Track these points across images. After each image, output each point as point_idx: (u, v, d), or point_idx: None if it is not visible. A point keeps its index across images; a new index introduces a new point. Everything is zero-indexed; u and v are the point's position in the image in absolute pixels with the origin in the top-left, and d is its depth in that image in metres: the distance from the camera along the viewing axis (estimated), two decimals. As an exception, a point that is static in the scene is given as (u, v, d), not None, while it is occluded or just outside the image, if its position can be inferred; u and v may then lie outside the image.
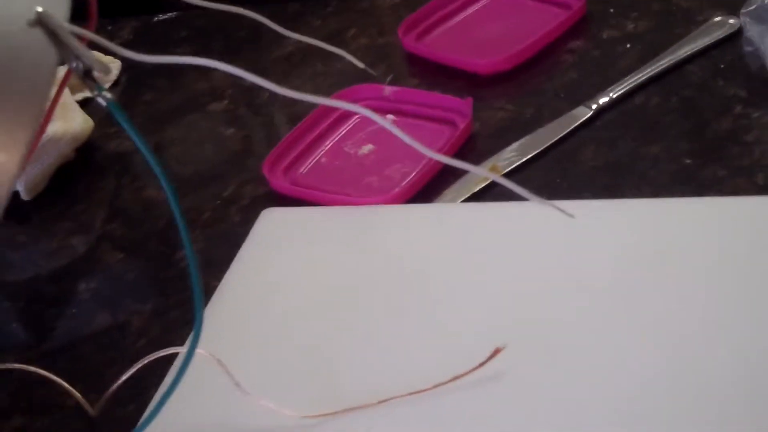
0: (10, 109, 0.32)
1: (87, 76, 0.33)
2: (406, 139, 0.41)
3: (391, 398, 0.54)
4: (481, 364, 0.54)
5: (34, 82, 0.33)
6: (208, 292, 0.66)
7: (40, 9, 0.33)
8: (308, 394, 0.56)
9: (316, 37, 0.93)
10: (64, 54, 0.33)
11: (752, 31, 0.74)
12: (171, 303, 0.70)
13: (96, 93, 0.33)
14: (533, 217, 0.64)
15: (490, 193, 0.71)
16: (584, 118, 0.76)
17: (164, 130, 0.89)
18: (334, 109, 0.81)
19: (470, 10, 0.93)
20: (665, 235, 0.60)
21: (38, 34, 0.33)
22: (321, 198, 0.73)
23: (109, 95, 0.33)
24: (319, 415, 0.54)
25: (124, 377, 0.61)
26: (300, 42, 0.88)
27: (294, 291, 0.64)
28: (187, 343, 0.59)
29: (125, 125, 0.33)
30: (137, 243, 0.78)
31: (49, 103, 0.34)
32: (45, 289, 0.76)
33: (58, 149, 0.82)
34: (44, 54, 0.33)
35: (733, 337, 0.53)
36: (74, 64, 0.33)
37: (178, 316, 0.69)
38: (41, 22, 0.33)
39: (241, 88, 0.91)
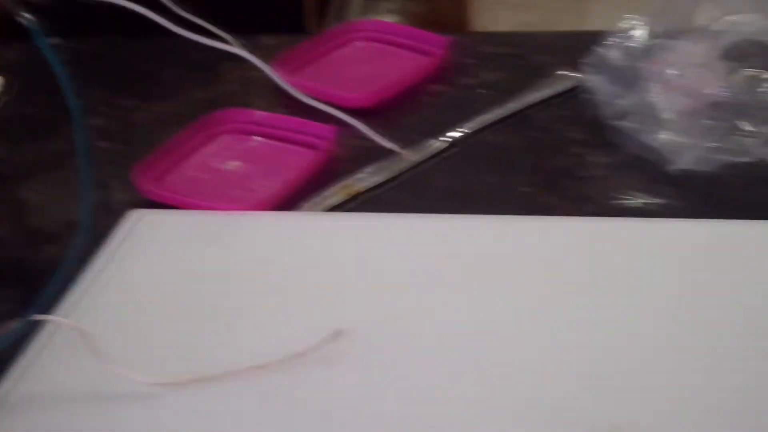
0: None
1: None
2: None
3: (237, 371, 0.59)
4: (321, 345, 0.59)
5: None
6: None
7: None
8: (163, 366, 0.61)
9: (192, 68, 0.99)
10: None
11: (591, 80, 0.82)
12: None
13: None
14: (381, 227, 0.71)
15: (344, 209, 0.77)
16: (438, 149, 0.82)
17: (45, 140, 0.92)
18: (205, 128, 0.86)
19: (340, 53, 0.99)
20: (494, 248, 0.68)
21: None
22: (186, 204, 0.77)
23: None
24: (171, 384, 0.59)
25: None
26: (179, 68, 0.94)
27: (155, 279, 0.68)
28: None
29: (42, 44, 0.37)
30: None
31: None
32: None
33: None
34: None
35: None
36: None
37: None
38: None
39: (114, 107, 0.95)
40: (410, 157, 0.81)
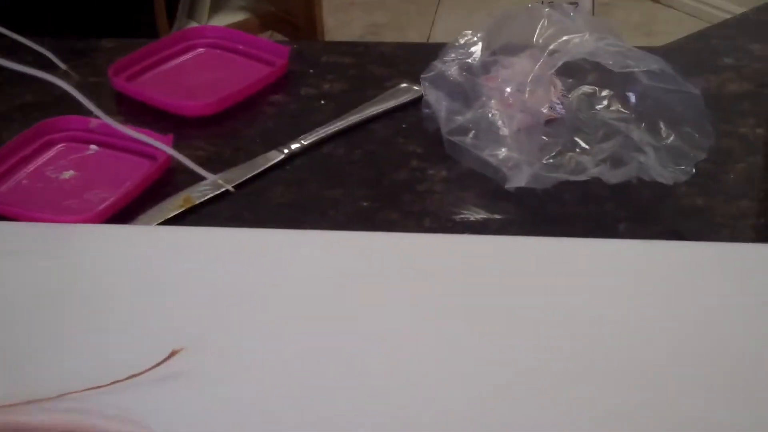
0: None
1: None
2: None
3: (70, 393, 0.58)
4: (158, 364, 0.58)
5: None
6: None
7: None
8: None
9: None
10: None
11: (430, 95, 0.83)
12: None
13: None
14: (218, 241, 0.70)
15: (182, 221, 0.76)
16: (276, 161, 0.82)
17: None
18: (38, 135, 0.84)
19: (180, 59, 0.98)
20: (331, 264, 0.67)
21: None
22: (19, 215, 0.75)
23: None
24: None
25: None
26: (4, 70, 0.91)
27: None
28: None
29: None
30: None
31: None
32: None
33: None
34: None
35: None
36: None
37: None
38: None
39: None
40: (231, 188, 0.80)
